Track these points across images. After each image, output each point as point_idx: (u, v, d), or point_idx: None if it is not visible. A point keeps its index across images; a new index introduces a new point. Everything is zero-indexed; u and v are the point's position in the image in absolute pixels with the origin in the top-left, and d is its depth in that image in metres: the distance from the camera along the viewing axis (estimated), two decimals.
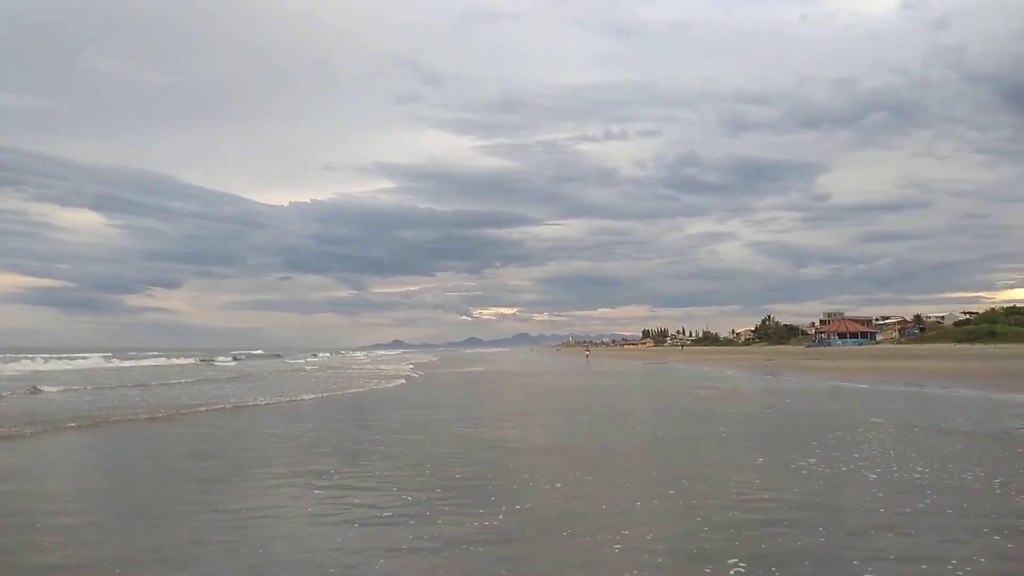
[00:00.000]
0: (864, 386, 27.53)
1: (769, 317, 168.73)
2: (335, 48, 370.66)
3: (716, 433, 14.44)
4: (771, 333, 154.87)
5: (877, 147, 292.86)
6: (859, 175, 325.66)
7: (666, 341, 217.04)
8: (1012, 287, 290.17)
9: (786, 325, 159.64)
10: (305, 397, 25.13)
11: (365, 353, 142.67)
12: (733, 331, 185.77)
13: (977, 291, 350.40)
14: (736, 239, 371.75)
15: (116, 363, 60.06)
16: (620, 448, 12.92)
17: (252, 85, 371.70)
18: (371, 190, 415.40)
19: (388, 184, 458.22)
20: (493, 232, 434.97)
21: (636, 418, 18.01)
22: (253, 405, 21.81)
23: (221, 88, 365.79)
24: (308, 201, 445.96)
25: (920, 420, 15.86)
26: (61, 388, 27.41)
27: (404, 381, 36.10)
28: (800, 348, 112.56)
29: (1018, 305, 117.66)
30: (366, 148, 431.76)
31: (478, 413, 19.59)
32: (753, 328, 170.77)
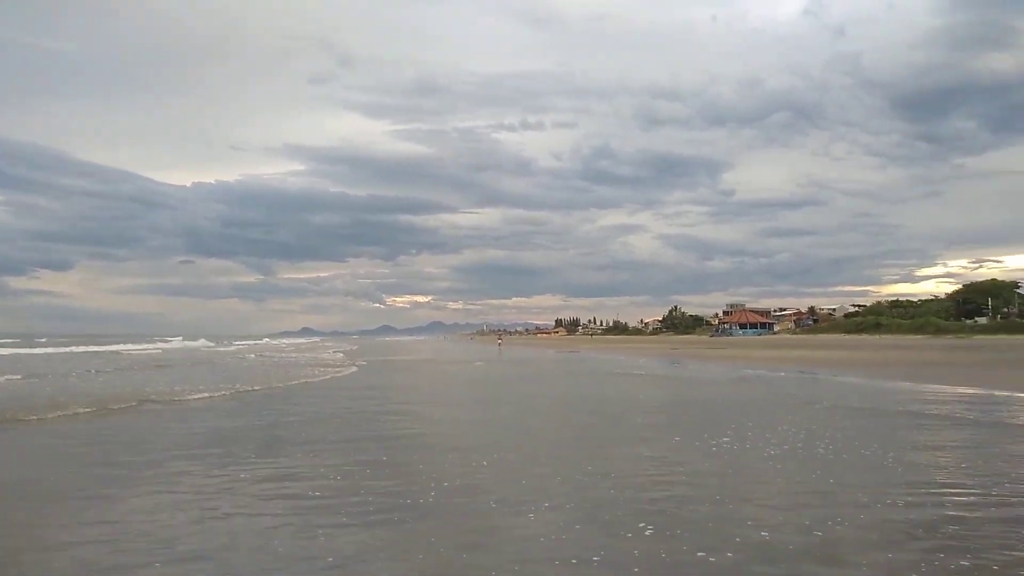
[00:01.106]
0: (763, 373, 29.26)
1: (676, 308, 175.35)
2: (245, 23, 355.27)
3: (630, 417, 15.14)
4: (678, 323, 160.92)
5: (779, 146, 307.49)
6: (762, 173, 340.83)
7: (578, 330, 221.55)
8: (896, 282, 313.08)
9: (692, 316, 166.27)
10: (253, 387, 22.38)
11: (288, 342, 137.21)
12: (642, 321, 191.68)
13: (866, 285, 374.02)
14: (647, 231, 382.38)
15: (11, 351, 55.49)
16: (541, 431, 13.48)
17: (156, 56, 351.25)
18: (280, 172, 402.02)
19: (298, 166, 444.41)
20: (408, 219, 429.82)
21: (555, 404, 18.57)
22: (190, 399, 18.81)
23: (122, 58, 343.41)
24: (213, 182, 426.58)
25: (813, 404, 17.11)
26: None
27: (356, 369, 35.39)
28: (704, 338, 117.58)
29: (900, 299, 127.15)
30: (276, 128, 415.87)
31: (462, 399, 19.67)
32: (661, 318, 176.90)
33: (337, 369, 34.58)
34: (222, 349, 73.23)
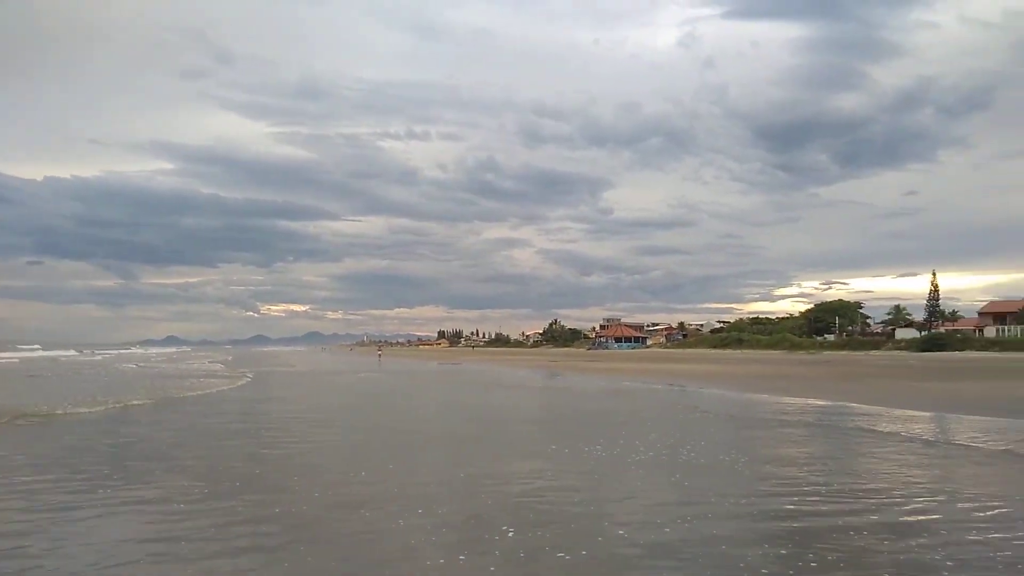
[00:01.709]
0: (637, 385, 30.53)
1: (556, 321, 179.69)
2: (111, 9, 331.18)
3: (509, 427, 15.38)
4: (557, 336, 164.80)
5: (654, 169, 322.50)
6: (638, 193, 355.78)
7: (461, 342, 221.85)
8: (757, 300, 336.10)
9: (571, 329, 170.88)
10: (135, 402, 20.29)
11: (157, 351, 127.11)
12: (523, 333, 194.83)
13: (730, 303, 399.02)
14: (529, 246, 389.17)
15: None
16: (420, 442, 13.42)
17: (7, 38, 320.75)
18: (147, 170, 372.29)
19: (167, 165, 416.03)
20: (286, 224, 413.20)
21: (436, 415, 18.53)
22: (68, 413, 17.02)
23: None
24: (68, 177, 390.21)
25: (680, 414, 18.06)
26: None
27: (255, 377, 33.50)
28: (582, 351, 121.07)
29: (760, 316, 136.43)
30: (142, 123, 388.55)
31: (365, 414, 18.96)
32: (542, 331, 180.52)
33: (226, 381, 32.84)
34: (90, 359, 67.75)
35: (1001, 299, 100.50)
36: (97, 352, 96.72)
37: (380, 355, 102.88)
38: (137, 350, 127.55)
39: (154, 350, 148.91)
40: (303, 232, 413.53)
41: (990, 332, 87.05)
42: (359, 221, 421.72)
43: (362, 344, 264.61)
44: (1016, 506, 7.73)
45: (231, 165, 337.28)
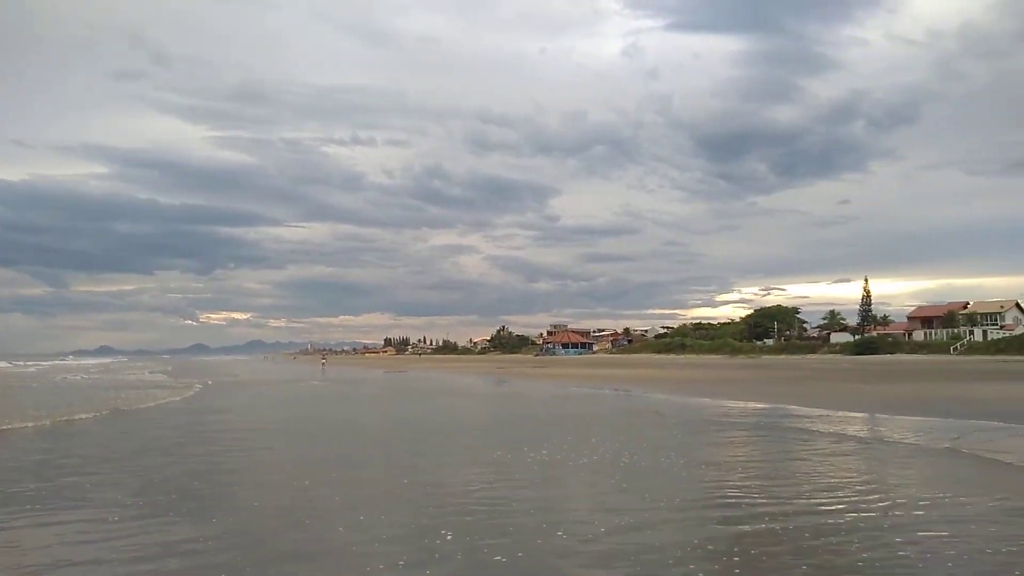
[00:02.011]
0: (583, 391, 30.80)
1: (504, 328, 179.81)
2: (38, 6, 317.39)
3: (455, 435, 15.32)
4: (505, 342, 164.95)
5: (599, 177, 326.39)
6: (584, 201, 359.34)
7: (408, 349, 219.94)
8: (700, 306, 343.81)
9: (518, 335, 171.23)
10: (81, 415, 19.01)
11: (94, 362, 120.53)
12: (471, 340, 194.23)
13: (674, 309, 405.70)
14: (477, 252, 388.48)
15: None
16: (363, 450, 13.28)
17: None
18: (78, 174, 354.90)
19: (100, 169, 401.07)
20: (226, 230, 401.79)
21: (383, 424, 18.31)
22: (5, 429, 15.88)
23: None
24: None
25: (625, 419, 18.30)
26: None
27: (200, 388, 32.52)
28: (529, 357, 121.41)
29: (703, 322, 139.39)
30: (73, 125, 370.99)
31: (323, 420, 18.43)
32: (489, 338, 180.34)
33: (170, 392, 31.61)
34: (23, 370, 64.60)
35: (928, 304, 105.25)
36: (29, 363, 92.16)
37: (324, 364, 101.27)
38: (71, 360, 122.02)
39: (89, 360, 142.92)
40: (244, 238, 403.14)
41: (918, 336, 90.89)
42: (303, 227, 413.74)
43: (306, 353, 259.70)
44: (944, 501, 8.07)
45: (169, 169, 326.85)
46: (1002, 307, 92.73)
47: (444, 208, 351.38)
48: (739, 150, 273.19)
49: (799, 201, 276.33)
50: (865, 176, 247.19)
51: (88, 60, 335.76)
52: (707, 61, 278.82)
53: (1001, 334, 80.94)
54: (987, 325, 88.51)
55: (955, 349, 75.51)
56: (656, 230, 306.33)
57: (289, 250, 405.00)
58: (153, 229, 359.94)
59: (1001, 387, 26.63)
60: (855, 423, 16.41)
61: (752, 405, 21.69)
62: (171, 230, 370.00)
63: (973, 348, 75.42)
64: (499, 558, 6.12)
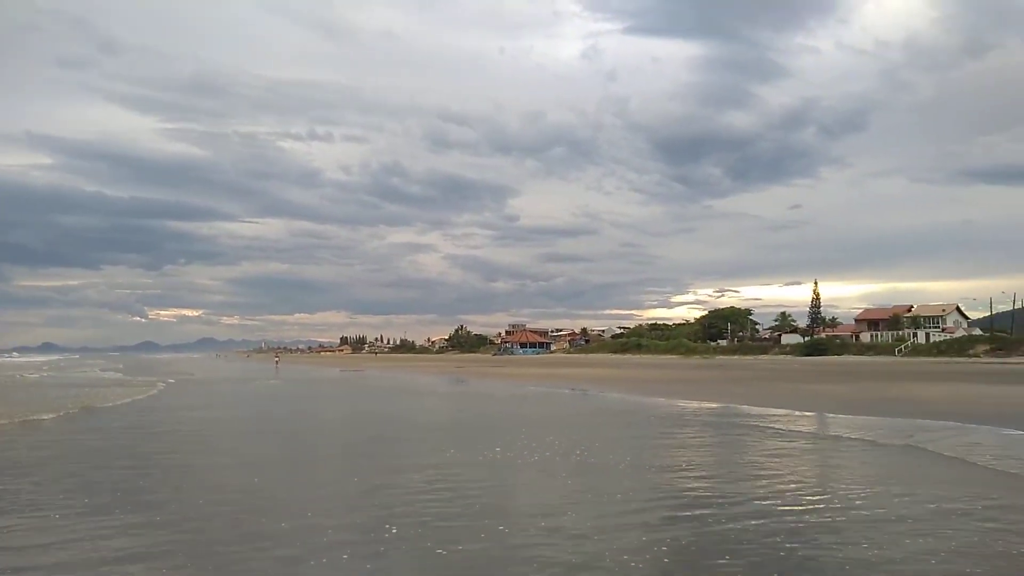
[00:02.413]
0: (540, 390, 30.93)
1: (462, 327, 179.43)
2: None
3: (409, 434, 15.24)
4: (463, 342, 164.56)
5: (558, 178, 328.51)
6: (543, 201, 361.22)
7: (364, 348, 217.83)
8: (656, 307, 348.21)
9: (476, 335, 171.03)
10: (45, 416, 18.27)
11: (43, 359, 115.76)
12: (429, 339, 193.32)
13: (630, 309, 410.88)
14: (435, 251, 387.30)
15: None
16: (315, 450, 13.18)
17: None
18: (20, 164, 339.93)
19: (44, 159, 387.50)
20: (177, 225, 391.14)
21: (338, 423, 18.11)
22: None
23: None
24: None
25: (580, 418, 18.44)
26: None
27: (164, 386, 31.86)
28: (488, 356, 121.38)
29: (659, 322, 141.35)
30: (14, 113, 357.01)
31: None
32: (447, 337, 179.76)
33: (138, 389, 30.69)
34: None
35: (875, 307, 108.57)
36: None
37: (278, 362, 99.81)
38: (16, 357, 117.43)
39: (35, 357, 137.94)
40: (196, 233, 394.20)
41: (865, 338, 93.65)
42: (257, 223, 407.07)
43: (260, 351, 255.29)
44: (886, 493, 8.34)
45: (117, 161, 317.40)
46: (943, 311, 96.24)
47: (402, 206, 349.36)
48: (695, 154, 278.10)
49: (752, 205, 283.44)
50: (815, 182, 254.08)
51: (31, 46, 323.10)
52: (665, 65, 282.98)
53: (942, 336, 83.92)
54: (930, 328, 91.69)
55: (900, 351, 77.97)
56: (613, 232, 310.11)
57: (243, 246, 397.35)
58: (100, 223, 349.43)
59: (946, 388, 27.62)
60: (807, 422, 16.83)
61: (705, 405, 22.06)
62: (119, 224, 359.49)
63: (916, 350, 77.99)
64: (440, 551, 6.27)
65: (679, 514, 7.62)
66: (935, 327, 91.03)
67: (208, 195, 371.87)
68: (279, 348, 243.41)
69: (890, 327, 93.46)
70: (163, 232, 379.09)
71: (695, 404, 22.42)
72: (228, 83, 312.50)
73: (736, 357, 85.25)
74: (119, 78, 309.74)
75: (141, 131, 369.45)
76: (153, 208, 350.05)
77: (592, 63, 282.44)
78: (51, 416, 18.42)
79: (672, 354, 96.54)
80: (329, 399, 28.20)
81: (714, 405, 21.94)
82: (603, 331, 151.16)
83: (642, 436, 14.68)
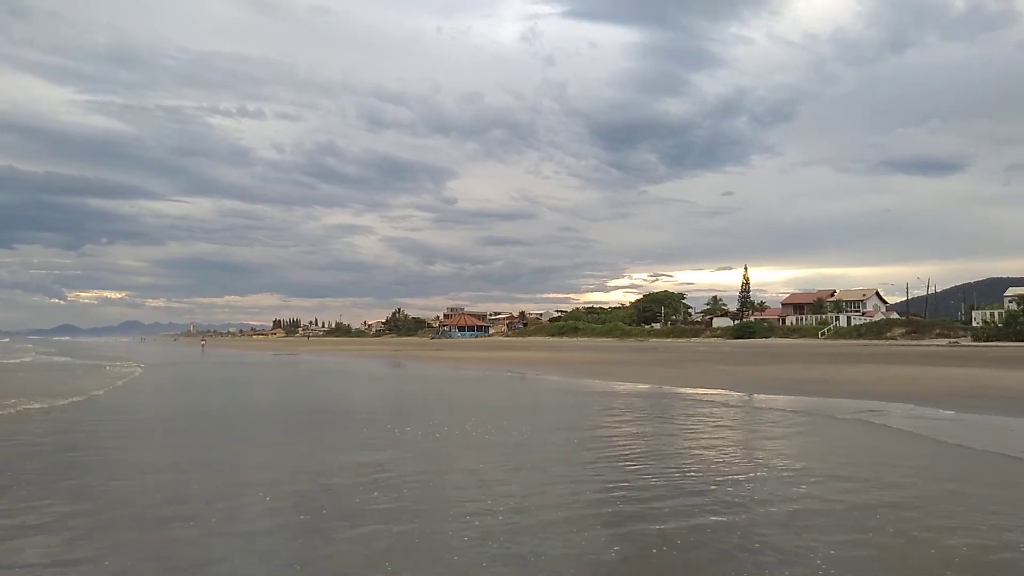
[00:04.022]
0: (478, 373, 30.97)
1: (399, 310, 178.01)
2: None
3: (340, 420, 15.00)
4: (400, 325, 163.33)
5: (496, 161, 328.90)
6: (482, 184, 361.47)
7: (298, 331, 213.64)
8: (592, 291, 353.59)
9: (414, 318, 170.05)
10: (33, 406, 16.75)
11: None
12: (365, 323, 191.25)
13: (567, 293, 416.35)
14: (372, 233, 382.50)
15: None
16: (244, 437, 12.80)
17: None
18: None
19: None
20: (98, 203, 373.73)
21: (269, 410, 17.68)
22: None
23: None
24: None
25: (518, 399, 18.54)
26: None
27: (139, 373, 30.47)
28: (426, 339, 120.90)
29: (595, 306, 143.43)
30: None
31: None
32: (384, 320, 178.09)
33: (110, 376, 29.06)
34: None
35: (800, 291, 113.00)
36: None
37: (203, 345, 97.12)
38: None
39: None
40: (118, 212, 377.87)
41: (791, 321, 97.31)
42: (184, 202, 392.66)
43: (189, 334, 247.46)
44: (809, 467, 8.70)
45: (29, 134, 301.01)
46: (864, 295, 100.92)
47: (337, 186, 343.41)
48: (631, 140, 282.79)
49: (686, 191, 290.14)
50: (747, 169, 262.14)
51: None
52: (602, 51, 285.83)
53: (863, 320, 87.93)
54: (851, 311, 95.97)
55: (823, 334, 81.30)
56: (551, 216, 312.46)
57: (169, 226, 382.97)
58: (11, 199, 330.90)
59: (864, 369, 28.94)
60: (732, 403, 17.38)
61: (639, 386, 22.54)
62: (33, 200, 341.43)
63: (838, 332, 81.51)
64: (350, 529, 6.34)
65: (611, 492, 7.74)
66: (856, 311, 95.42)
67: (131, 172, 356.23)
68: (208, 332, 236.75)
69: (814, 311, 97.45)
70: (82, 210, 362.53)
71: (630, 385, 22.86)
72: (148, 54, 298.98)
73: (669, 340, 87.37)
74: (30, 45, 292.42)
75: (56, 102, 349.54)
76: (71, 184, 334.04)
77: (531, 45, 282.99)
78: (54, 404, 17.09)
79: (608, 337, 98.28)
80: (260, 384, 27.50)
81: (647, 386, 22.43)
82: (541, 314, 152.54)
83: (574, 418, 14.84)
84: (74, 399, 18.62)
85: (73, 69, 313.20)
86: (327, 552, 5.82)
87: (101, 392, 21.43)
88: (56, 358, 52.13)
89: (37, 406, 16.68)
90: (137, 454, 10.79)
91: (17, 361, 46.78)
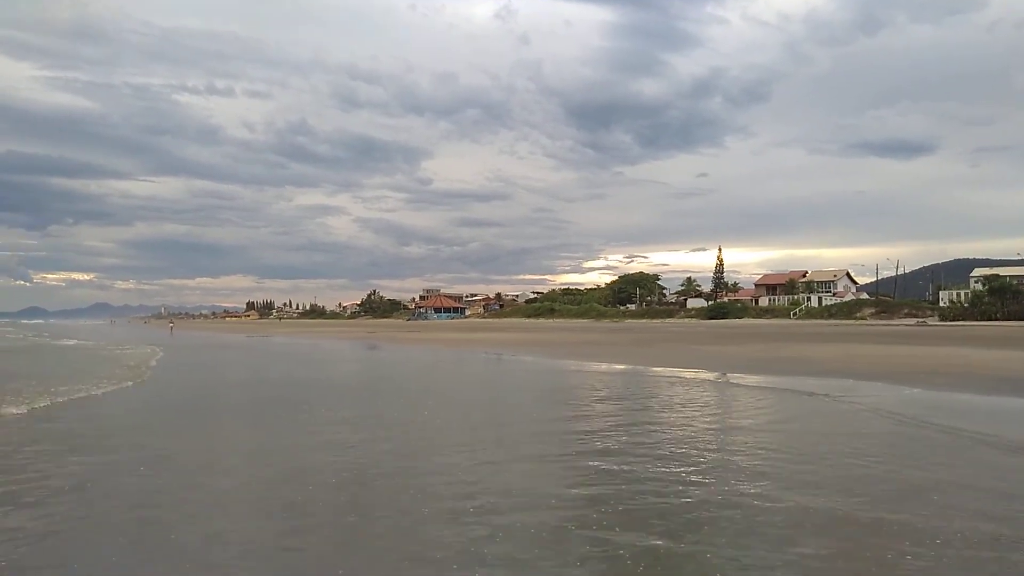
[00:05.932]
0: (455, 355, 30.98)
1: (375, 292, 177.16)
2: None
3: (307, 398, 14.89)
4: (376, 307, 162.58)
5: (471, 141, 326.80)
6: (457, 164, 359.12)
7: (272, 314, 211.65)
8: (568, 272, 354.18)
9: (390, 300, 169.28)
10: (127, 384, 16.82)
11: None
12: (340, 304, 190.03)
13: (543, 274, 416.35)
14: (346, 214, 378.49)
15: None
16: (226, 410, 12.70)
17: None
18: None
19: None
20: (63, 182, 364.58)
21: (239, 393, 17.50)
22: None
23: None
24: None
25: (496, 379, 18.57)
26: None
27: (156, 363, 28.82)
28: (401, 321, 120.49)
29: (571, 287, 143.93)
30: None
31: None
32: (359, 302, 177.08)
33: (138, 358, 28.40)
34: None
35: (773, 272, 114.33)
36: None
37: (172, 327, 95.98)
38: None
39: None
40: (84, 192, 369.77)
41: (764, 301, 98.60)
42: (153, 182, 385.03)
43: (160, 316, 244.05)
44: (780, 446, 8.83)
45: None
46: (835, 276, 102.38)
47: (310, 166, 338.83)
48: (606, 121, 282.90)
49: (661, 172, 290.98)
50: (721, 151, 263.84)
51: None
52: (578, 30, 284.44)
53: (834, 300, 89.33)
54: (822, 292, 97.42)
55: (794, 314, 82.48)
56: (527, 196, 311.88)
57: (138, 206, 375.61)
58: None
59: (837, 348, 29.42)
60: (706, 383, 17.56)
61: (614, 366, 22.69)
62: None
63: (810, 313, 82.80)
64: (352, 518, 6.21)
65: (589, 461, 7.78)
66: (827, 291, 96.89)
67: (97, 151, 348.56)
68: (180, 314, 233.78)
69: (787, 291, 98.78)
70: (46, 189, 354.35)
71: (605, 366, 23.01)
72: (113, 29, 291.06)
73: (644, 321, 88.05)
74: None
75: (17, 78, 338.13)
76: (34, 163, 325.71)
77: (505, 23, 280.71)
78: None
79: (584, 318, 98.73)
80: (231, 367, 27.23)
81: (622, 366, 22.59)
82: (517, 296, 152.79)
83: (552, 397, 14.90)
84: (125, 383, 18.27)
85: (33, 43, 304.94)
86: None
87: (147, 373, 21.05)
88: (62, 341, 51.05)
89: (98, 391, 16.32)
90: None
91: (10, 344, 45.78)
